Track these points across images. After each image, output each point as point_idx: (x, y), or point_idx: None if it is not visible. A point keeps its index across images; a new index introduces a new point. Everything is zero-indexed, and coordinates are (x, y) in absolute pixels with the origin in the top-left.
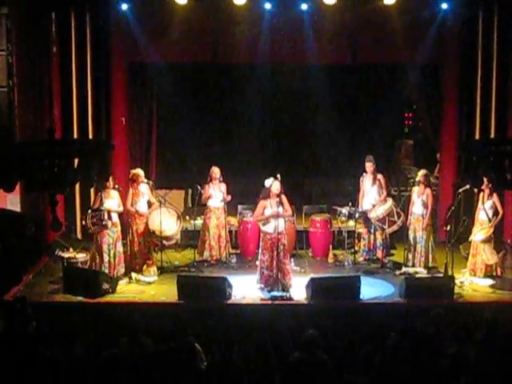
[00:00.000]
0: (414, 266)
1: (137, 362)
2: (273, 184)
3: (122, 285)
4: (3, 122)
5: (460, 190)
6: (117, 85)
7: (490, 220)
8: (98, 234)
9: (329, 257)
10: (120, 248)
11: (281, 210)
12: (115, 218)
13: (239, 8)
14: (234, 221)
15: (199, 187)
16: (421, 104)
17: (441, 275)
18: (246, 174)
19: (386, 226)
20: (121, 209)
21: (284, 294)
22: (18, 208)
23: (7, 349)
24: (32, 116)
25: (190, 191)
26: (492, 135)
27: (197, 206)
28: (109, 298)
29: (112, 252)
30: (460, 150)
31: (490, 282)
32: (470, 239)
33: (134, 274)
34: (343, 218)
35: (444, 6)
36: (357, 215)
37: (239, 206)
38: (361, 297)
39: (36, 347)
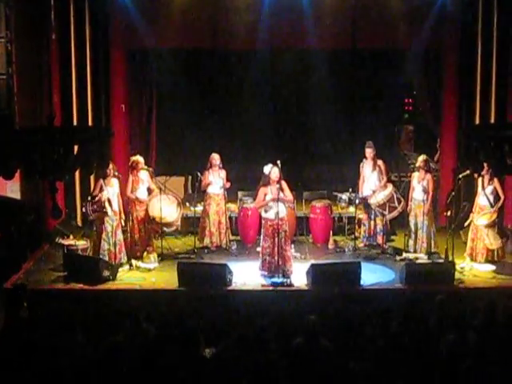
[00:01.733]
0: (415, 251)
1: (138, 349)
2: (271, 170)
3: (123, 272)
4: (3, 109)
5: (460, 176)
6: (116, 71)
7: (491, 205)
8: (97, 222)
9: (329, 243)
10: (120, 236)
11: (281, 196)
12: (115, 205)
13: None
14: (234, 207)
15: (199, 174)
16: (421, 89)
17: (441, 261)
18: (246, 161)
19: (386, 212)
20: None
21: (285, 280)
22: (17, 195)
23: (8, 336)
24: (31, 103)
25: (189, 178)
26: (492, 120)
27: (197, 193)
28: (109, 285)
29: (112, 240)
30: (460, 135)
31: (490, 267)
32: (466, 224)
33: (134, 261)
34: (343, 204)
35: None
36: (357, 201)
37: (239, 193)
38: (361, 283)
39: (35, 334)
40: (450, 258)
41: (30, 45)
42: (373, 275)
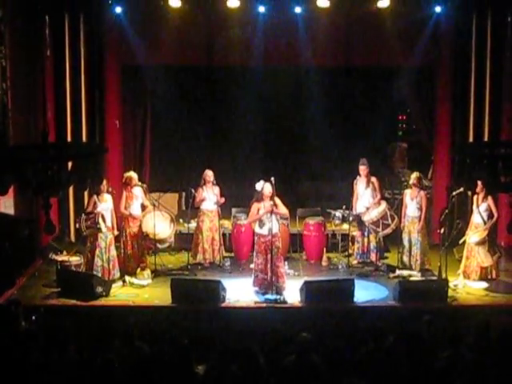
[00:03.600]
0: (410, 268)
1: (131, 366)
2: (264, 187)
3: (116, 288)
4: None
5: (454, 193)
6: (110, 87)
7: (485, 223)
8: (91, 238)
9: (323, 260)
10: (114, 252)
11: (274, 217)
12: (109, 221)
13: (233, 11)
14: (227, 224)
15: (193, 190)
16: (415, 107)
17: (435, 278)
18: (240, 177)
19: (379, 229)
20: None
21: (278, 297)
22: (11, 211)
23: (3, 353)
24: (26, 119)
25: (183, 194)
26: (486, 138)
27: (190, 209)
28: (102, 302)
29: (106, 256)
30: (454, 152)
31: (484, 284)
32: (462, 241)
33: (127, 277)
34: (337, 221)
35: (437, 8)
36: (351, 218)
37: (233, 209)
38: (355, 300)
39: (29, 350)
40: (444, 276)
41: (25, 61)
42: (366, 292)
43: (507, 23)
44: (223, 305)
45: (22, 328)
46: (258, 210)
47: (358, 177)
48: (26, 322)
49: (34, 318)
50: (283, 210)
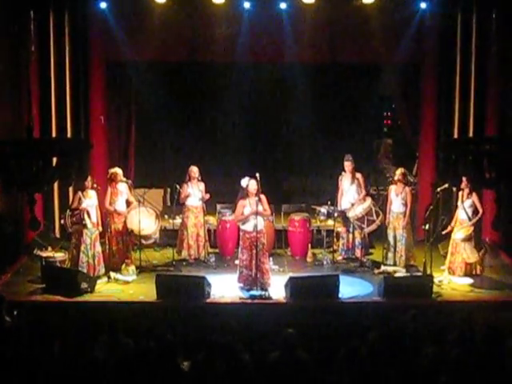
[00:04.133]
0: (395, 264)
1: (116, 362)
2: (249, 183)
3: (101, 284)
4: None
5: (439, 189)
6: (95, 83)
7: (469, 219)
8: (76, 234)
9: (307, 256)
10: (98, 248)
11: (260, 208)
12: (94, 217)
13: (218, 7)
14: (212, 220)
15: (178, 186)
16: (399, 103)
17: (419, 274)
18: (225, 173)
19: (364, 225)
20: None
21: (263, 293)
22: None
23: None
24: (10, 115)
25: (168, 190)
26: (470, 134)
27: (175, 205)
28: (87, 297)
29: (91, 252)
30: (439, 149)
31: (469, 280)
32: (445, 232)
33: (112, 273)
34: (322, 217)
35: (422, 5)
36: (335, 214)
37: (218, 205)
38: (339, 296)
39: (13, 346)
40: (428, 272)
41: (9, 57)
42: (351, 288)
43: (492, 20)
44: (208, 301)
45: (5, 324)
46: (244, 207)
47: (343, 173)
48: (9, 318)
49: (15, 313)
50: (267, 209)
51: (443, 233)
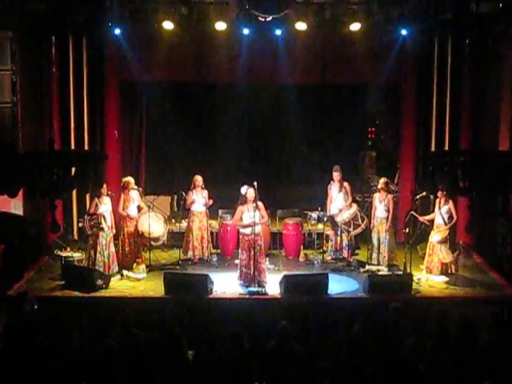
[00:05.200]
0: (378, 264)
1: (128, 351)
2: (248, 191)
3: (115, 281)
4: (8, 135)
5: (417, 197)
6: (110, 101)
7: (445, 223)
8: (93, 236)
9: (300, 256)
10: (113, 248)
11: (257, 214)
12: (109, 221)
13: (220, 32)
14: (215, 224)
15: (184, 193)
16: (382, 119)
17: (400, 273)
18: (226, 182)
19: (351, 229)
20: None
21: (260, 289)
22: (20, 212)
23: (11, 338)
24: (33, 129)
25: (175, 197)
26: (446, 147)
27: (181, 211)
28: (102, 293)
29: (106, 252)
30: (418, 160)
31: (444, 278)
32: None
33: (125, 272)
34: (313, 222)
35: (403, 32)
36: (325, 219)
37: (220, 211)
38: (329, 292)
39: (35, 336)
40: (408, 271)
41: (33, 76)
42: (339, 285)
43: (465, 45)
44: (211, 296)
45: (28, 316)
46: (242, 212)
47: (331, 182)
48: (32, 311)
49: (37, 307)
50: (264, 215)
51: (421, 219)
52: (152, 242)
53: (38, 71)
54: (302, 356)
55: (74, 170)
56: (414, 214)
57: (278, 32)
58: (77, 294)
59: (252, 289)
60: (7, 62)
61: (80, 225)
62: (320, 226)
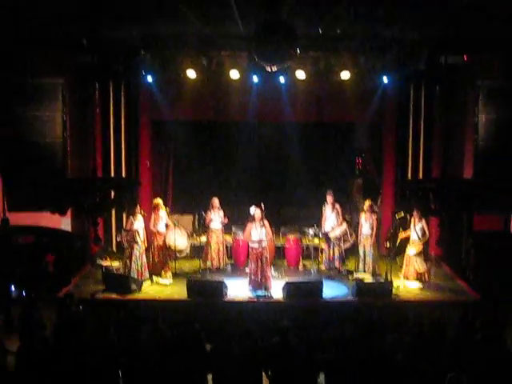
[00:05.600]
0: (364, 272)
1: (157, 344)
2: (255, 211)
3: (146, 286)
4: (59, 164)
5: (397, 217)
6: (143, 136)
7: (419, 239)
8: (129, 248)
9: (299, 266)
10: (145, 259)
11: (264, 231)
12: (142, 236)
13: (234, 80)
14: (229, 238)
15: (203, 213)
16: (367, 152)
17: (383, 280)
18: (238, 203)
19: (341, 243)
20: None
21: (266, 293)
22: (68, 228)
23: (60, 334)
24: (80, 159)
25: (196, 216)
26: (420, 175)
27: (202, 228)
28: (136, 296)
29: (139, 262)
30: (397, 186)
31: (419, 285)
32: (398, 240)
33: (154, 278)
34: (310, 237)
35: (385, 79)
36: (320, 235)
37: (233, 227)
38: (323, 296)
39: (80, 332)
40: (389, 278)
41: (80, 116)
42: (331, 290)
43: (436, 91)
44: (225, 299)
45: (74, 315)
46: (251, 229)
47: (325, 204)
48: (77, 310)
49: (81, 307)
50: (269, 232)
51: (400, 236)
52: (177, 254)
53: (83, 112)
54: (301, 349)
55: (113, 193)
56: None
57: (282, 79)
58: (115, 296)
59: (259, 293)
60: (59, 104)
61: (118, 239)
62: (316, 240)
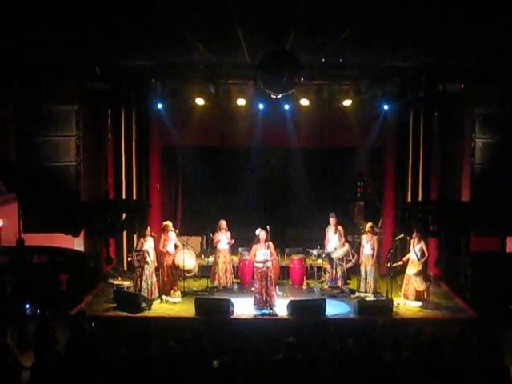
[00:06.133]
0: (365, 291)
1: (166, 360)
2: (260, 233)
3: (156, 304)
4: (73, 186)
5: (397, 238)
6: (153, 161)
7: (418, 259)
8: (139, 268)
9: (303, 285)
10: (155, 278)
11: (268, 252)
12: (152, 256)
13: (241, 107)
14: (236, 259)
15: (211, 234)
16: (369, 176)
17: (383, 298)
18: (245, 225)
19: (344, 263)
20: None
21: (271, 311)
22: (81, 248)
23: (73, 349)
24: (93, 182)
25: (205, 237)
26: (419, 198)
27: (209, 248)
28: (146, 314)
29: (149, 281)
30: (397, 208)
31: (418, 303)
32: (399, 264)
33: (164, 297)
34: (314, 257)
35: (385, 106)
36: (323, 255)
37: (239, 248)
38: (326, 314)
39: (92, 348)
40: (389, 297)
41: (93, 141)
42: (334, 308)
43: (434, 117)
44: (232, 317)
45: (86, 332)
46: (256, 250)
47: (328, 226)
48: (89, 328)
49: (93, 324)
50: (273, 254)
51: (398, 264)
52: (186, 273)
53: (97, 137)
54: (305, 365)
55: (124, 215)
56: (395, 264)
57: (286, 106)
58: (126, 314)
59: (264, 311)
60: (73, 130)
61: (129, 259)
62: (319, 260)
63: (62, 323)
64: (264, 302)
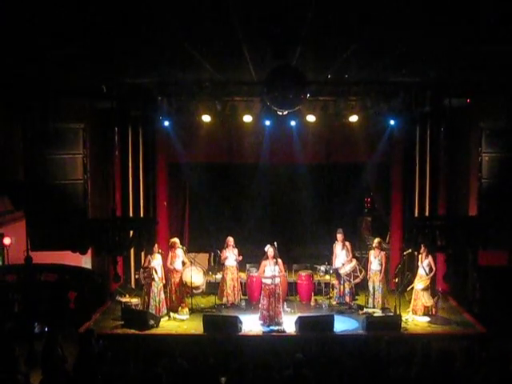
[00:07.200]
0: (373, 307)
1: (175, 377)
2: (269, 250)
3: (164, 321)
4: (80, 204)
5: (405, 253)
6: (160, 178)
7: (426, 274)
8: (147, 285)
9: (311, 301)
10: (162, 295)
11: (277, 268)
12: (160, 273)
13: (247, 123)
14: (243, 275)
15: (219, 251)
16: (376, 191)
17: (392, 314)
18: (252, 242)
19: (351, 279)
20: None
21: (279, 328)
22: (89, 266)
23: (81, 367)
24: (100, 199)
25: (212, 254)
26: (427, 213)
27: (217, 265)
28: (154, 331)
29: (157, 299)
30: (404, 224)
31: (426, 319)
32: (409, 288)
33: (172, 313)
34: (321, 274)
35: (392, 122)
36: (331, 271)
37: (247, 265)
38: (334, 330)
39: (100, 366)
40: (398, 312)
41: (100, 159)
42: (342, 324)
43: (440, 132)
44: (240, 334)
45: (94, 349)
46: (265, 266)
47: (336, 241)
48: (97, 345)
49: (101, 342)
50: (282, 271)
51: (408, 289)
52: (193, 290)
53: (103, 154)
54: (313, 381)
55: (131, 232)
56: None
57: (293, 123)
58: (133, 331)
59: (272, 327)
60: (80, 148)
61: (136, 276)
62: (327, 276)
63: (70, 341)
64: (271, 319)
